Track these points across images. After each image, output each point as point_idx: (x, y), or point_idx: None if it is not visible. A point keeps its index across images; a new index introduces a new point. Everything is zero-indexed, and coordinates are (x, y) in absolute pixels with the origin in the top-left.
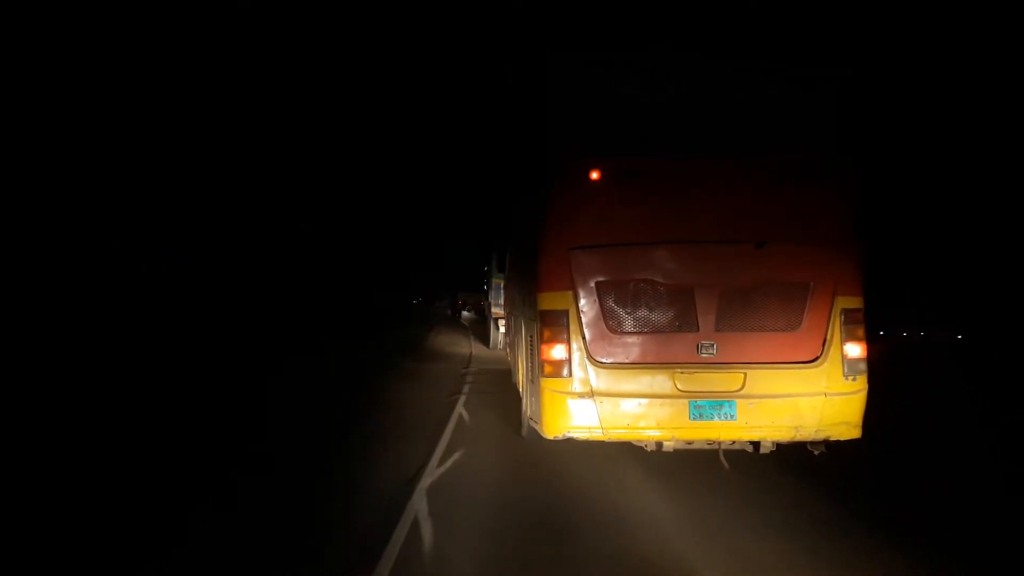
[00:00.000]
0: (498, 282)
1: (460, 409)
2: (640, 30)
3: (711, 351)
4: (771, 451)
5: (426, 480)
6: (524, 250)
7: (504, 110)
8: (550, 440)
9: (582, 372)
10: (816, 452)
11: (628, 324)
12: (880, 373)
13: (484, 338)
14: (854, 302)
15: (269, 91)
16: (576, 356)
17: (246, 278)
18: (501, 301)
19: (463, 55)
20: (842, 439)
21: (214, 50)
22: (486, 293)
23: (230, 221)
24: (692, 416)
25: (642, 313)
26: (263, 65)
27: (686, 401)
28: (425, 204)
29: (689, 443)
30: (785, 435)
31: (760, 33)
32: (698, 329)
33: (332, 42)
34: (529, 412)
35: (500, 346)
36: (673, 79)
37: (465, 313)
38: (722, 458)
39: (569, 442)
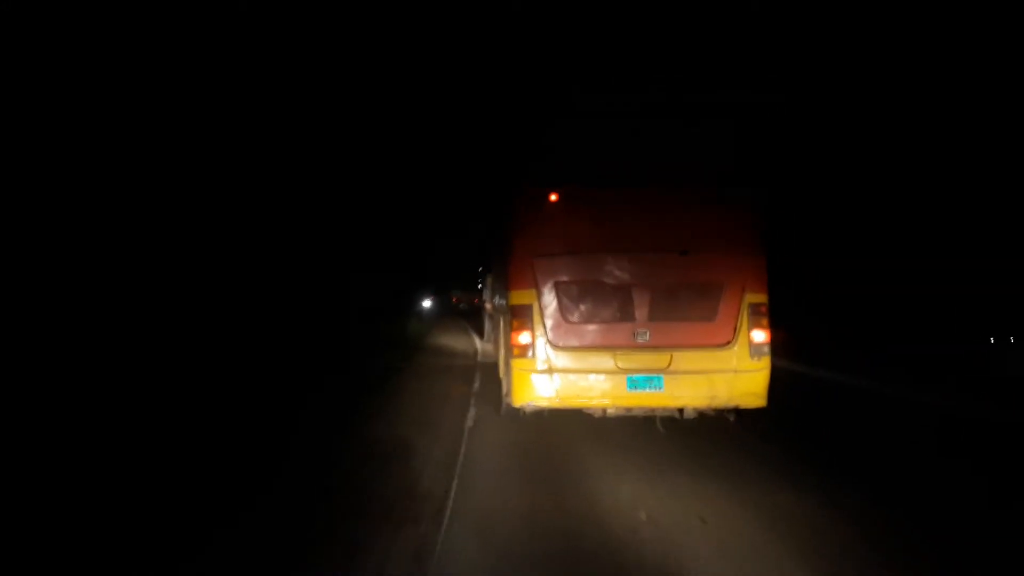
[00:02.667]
0: (491, 282)
1: None
2: (591, 82)
3: (645, 337)
4: (694, 417)
5: None
6: (501, 257)
7: (483, 143)
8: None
9: (544, 353)
10: (731, 418)
11: (580, 315)
12: None
13: (481, 331)
14: (759, 298)
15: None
16: (539, 341)
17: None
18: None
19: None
20: (750, 407)
21: (207, 42)
22: (481, 292)
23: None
24: (629, 387)
25: (591, 307)
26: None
27: (624, 376)
28: (424, 210)
29: (629, 410)
30: (703, 403)
31: (686, 83)
32: (635, 319)
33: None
34: (504, 389)
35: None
36: (617, 124)
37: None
38: (659, 424)
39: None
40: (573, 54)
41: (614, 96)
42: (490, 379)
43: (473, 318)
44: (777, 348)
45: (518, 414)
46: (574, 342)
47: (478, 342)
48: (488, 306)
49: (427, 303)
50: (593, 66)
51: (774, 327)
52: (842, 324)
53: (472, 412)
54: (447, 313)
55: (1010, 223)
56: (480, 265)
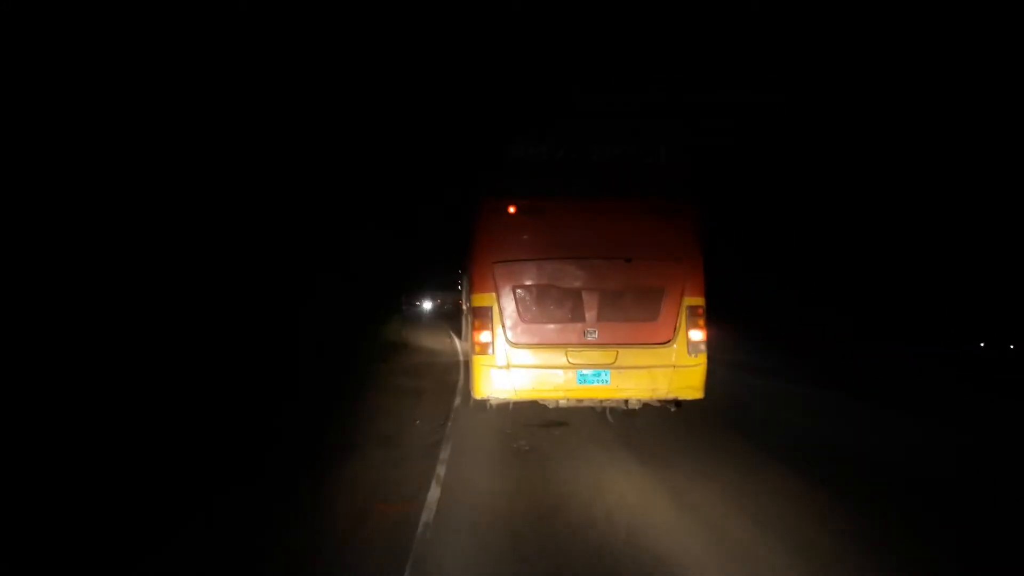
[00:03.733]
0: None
1: None
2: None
3: (594, 335)
4: (638, 408)
5: None
6: (467, 263)
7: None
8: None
9: (502, 350)
10: (672, 409)
11: (535, 316)
12: None
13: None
14: (697, 301)
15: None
16: (498, 339)
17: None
18: None
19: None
20: (688, 399)
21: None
22: (460, 294)
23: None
24: (579, 381)
25: (545, 308)
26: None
27: (575, 371)
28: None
29: (580, 401)
30: (645, 395)
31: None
32: (585, 320)
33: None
34: (470, 382)
35: None
36: (568, 146)
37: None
38: (608, 415)
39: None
40: (529, 68)
41: (599, 97)
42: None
43: (456, 319)
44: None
45: (485, 406)
46: (530, 340)
47: (458, 343)
48: (464, 306)
49: (427, 304)
50: (550, 80)
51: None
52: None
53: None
54: (432, 314)
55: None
56: (460, 268)
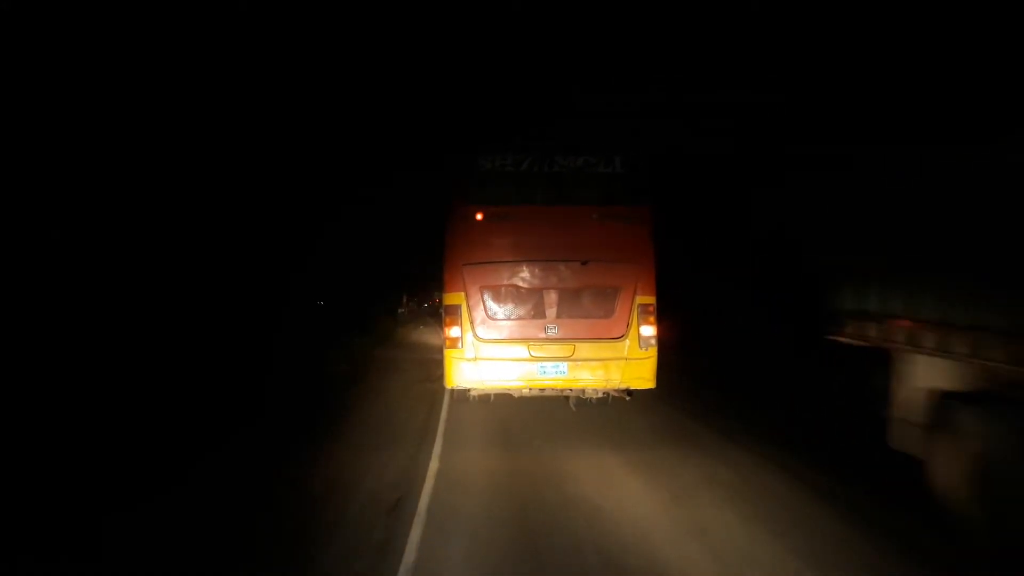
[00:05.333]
0: None
1: None
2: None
3: (554, 331)
4: (595, 396)
5: None
6: (440, 265)
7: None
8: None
9: (471, 344)
10: (626, 397)
11: (500, 313)
12: None
13: None
14: (648, 299)
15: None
16: (467, 334)
17: None
18: None
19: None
20: (640, 388)
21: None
22: None
23: None
24: (539, 373)
25: (509, 306)
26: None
27: (536, 363)
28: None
29: (542, 391)
30: (600, 385)
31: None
32: (545, 317)
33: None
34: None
35: None
36: (530, 159)
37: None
38: (571, 403)
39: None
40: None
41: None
42: None
43: None
44: None
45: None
46: (496, 335)
47: None
48: None
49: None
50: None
51: None
52: None
53: None
54: (427, 313)
55: None
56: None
